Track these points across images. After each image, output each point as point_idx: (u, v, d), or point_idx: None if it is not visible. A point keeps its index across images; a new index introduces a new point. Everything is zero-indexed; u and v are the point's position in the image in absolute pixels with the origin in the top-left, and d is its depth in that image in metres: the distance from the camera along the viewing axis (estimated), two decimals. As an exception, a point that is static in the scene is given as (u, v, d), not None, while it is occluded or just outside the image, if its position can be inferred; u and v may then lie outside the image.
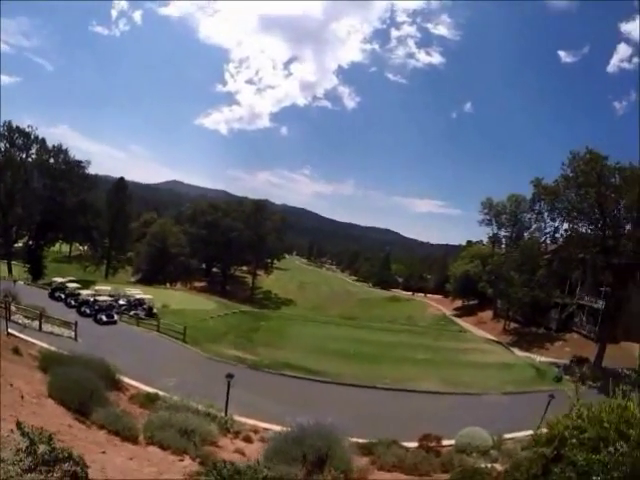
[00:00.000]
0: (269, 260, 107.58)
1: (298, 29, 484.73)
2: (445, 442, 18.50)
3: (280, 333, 47.03)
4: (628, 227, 41.46)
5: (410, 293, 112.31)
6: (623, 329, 50.33)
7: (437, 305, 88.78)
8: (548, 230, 45.66)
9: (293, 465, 10.39)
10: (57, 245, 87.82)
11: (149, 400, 17.62)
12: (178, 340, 34.01)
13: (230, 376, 18.00)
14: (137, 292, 48.15)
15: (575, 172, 40.01)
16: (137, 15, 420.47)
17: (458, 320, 74.05)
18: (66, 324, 30.06)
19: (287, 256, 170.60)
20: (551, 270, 44.70)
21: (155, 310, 43.34)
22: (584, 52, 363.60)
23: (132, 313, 40.52)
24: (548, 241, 46.72)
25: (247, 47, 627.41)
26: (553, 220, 44.01)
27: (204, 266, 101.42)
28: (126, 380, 19.76)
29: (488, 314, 72.32)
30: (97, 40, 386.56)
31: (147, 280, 75.01)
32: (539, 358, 45.85)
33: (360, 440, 17.00)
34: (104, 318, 36.29)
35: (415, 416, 23.57)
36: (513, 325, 63.71)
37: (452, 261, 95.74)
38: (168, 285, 75.92)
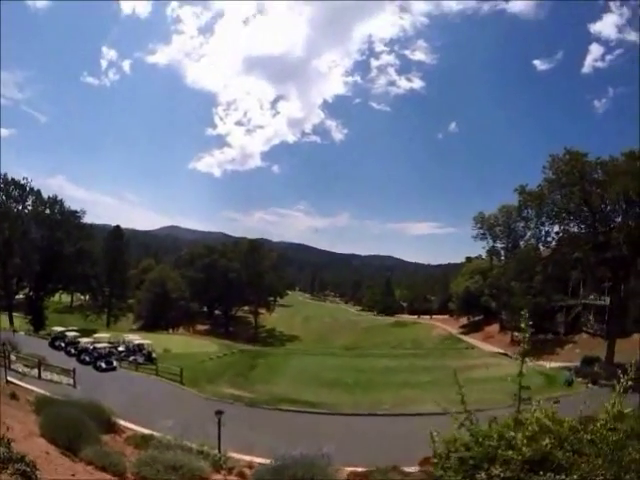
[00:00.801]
0: (271, 298, 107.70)
1: (281, 68, 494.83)
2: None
3: (277, 369, 46.44)
4: (618, 220, 41.37)
5: (415, 316, 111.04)
6: (633, 322, 49.95)
7: (443, 325, 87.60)
8: (539, 235, 45.51)
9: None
10: (58, 296, 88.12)
11: (144, 441, 16.92)
12: (175, 382, 33.99)
13: (220, 412, 18.11)
14: (136, 338, 48.18)
15: (557, 174, 40.25)
16: (126, 64, 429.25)
17: (465, 337, 72.94)
18: (65, 372, 29.94)
19: (290, 292, 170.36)
20: (547, 274, 44.38)
21: (154, 355, 43.23)
22: (558, 58, 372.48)
23: (131, 359, 40.53)
24: (541, 246, 46.59)
25: (233, 89, 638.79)
26: (542, 224, 44.00)
27: (206, 309, 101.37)
28: (123, 423, 19.44)
29: (495, 328, 71.36)
30: (88, 90, 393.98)
31: (149, 326, 75.08)
32: (549, 364, 45.01)
33: (358, 468, 16.79)
34: (103, 365, 36.49)
35: (416, 439, 22.66)
36: (521, 335, 62.82)
37: (453, 279, 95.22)
38: (171, 330, 75.95)
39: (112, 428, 17.66)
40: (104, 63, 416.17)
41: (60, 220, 71.23)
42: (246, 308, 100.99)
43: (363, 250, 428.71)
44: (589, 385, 36.08)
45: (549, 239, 44.64)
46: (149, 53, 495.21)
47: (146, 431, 18.88)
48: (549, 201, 41.61)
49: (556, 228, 43.81)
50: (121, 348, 43.49)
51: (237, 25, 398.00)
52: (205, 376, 37.40)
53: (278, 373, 44.03)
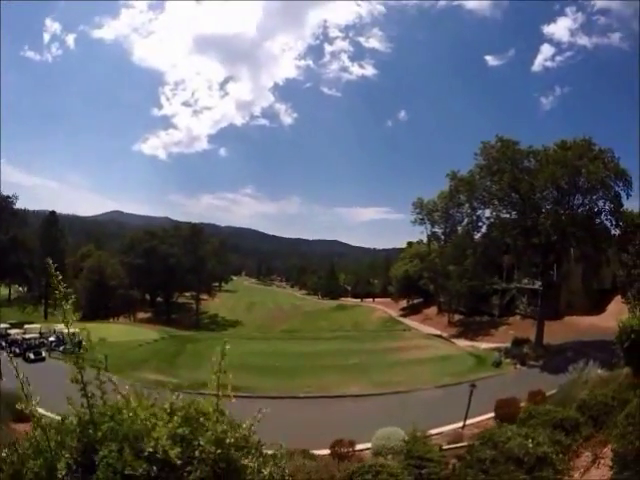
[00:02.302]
0: (215, 283, 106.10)
1: (232, 49, 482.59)
2: (361, 446, 17.94)
3: (205, 354, 45.36)
4: (548, 206, 42.64)
5: (358, 300, 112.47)
6: (566, 305, 52.12)
7: (384, 308, 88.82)
8: (460, 219, 46.54)
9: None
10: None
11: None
12: (101, 370, 33.03)
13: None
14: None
15: (488, 160, 41.03)
16: (70, 38, 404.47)
17: (404, 320, 74.24)
18: None
19: (235, 278, 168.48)
20: (477, 258, 45.35)
21: (85, 343, 41.65)
22: (510, 55, 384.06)
23: (61, 348, 39.43)
24: (473, 231, 47.49)
25: (182, 69, 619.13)
26: (474, 210, 44.76)
27: (148, 296, 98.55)
28: (42, 411, 18.67)
29: (433, 310, 73.12)
30: (29, 66, 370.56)
31: (90, 316, 71.94)
32: (483, 345, 46.31)
33: (267, 451, 16.45)
34: (32, 356, 36.94)
35: (334, 422, 22.97)
36: (458, 317, 64.60)
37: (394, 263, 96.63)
38: (111, 320, 73.12)
39: (28, 417, 17.23)
40: (47, 37, 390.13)
41: None
42: (188, 294, 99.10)
43: (311, 235, 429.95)
44: (517, 366, 37.19)
45: (479, 224, 45.68)
46: (95, 27, 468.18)
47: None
48: (480, 187, 42.42)
49: (487, 213, 44.86)
50: (52, 338, 43.18)
51: (189, 3, 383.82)
52: (131, 362, 37.84)
53: (204, 358, 43.00)
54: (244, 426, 3.00)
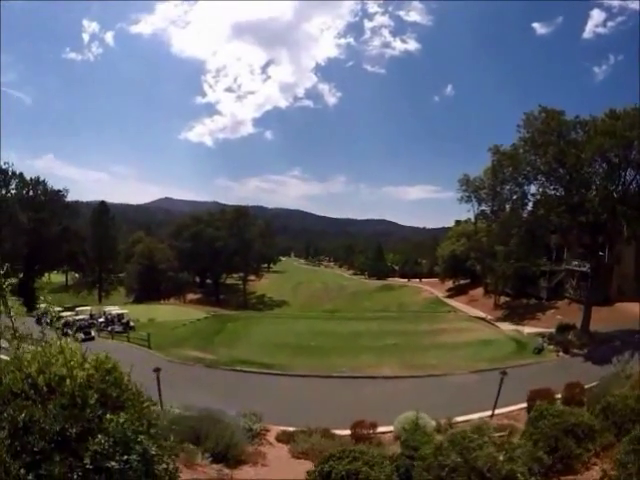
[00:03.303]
0: (263, 264, 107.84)
1: (271, 32, 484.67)
2: (383, 428, 17.45)
3: (243, 332, 47.30)
4: (597, 182, 39.82)
5: (405, 280, 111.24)
6: (617, 290, 49.21)
7: (430, 289, 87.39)
8: (515, 198, 44.02)
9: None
10: (51, 275, 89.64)
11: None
12: (144, 347, 36.09)
13: (157, 370, 18.68)
14: (115, 309, 49.89)
15: (532, 132, 38.65)
16: (109, 36, 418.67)
17: (450, 301, 72.67)
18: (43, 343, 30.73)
19: (283, 258, 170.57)
20: (521, 238, 43.11)
21: (132, 323, 45.06)
22: (558, 22, 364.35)
23: (109, 328, 42.46)
24: (520, 209, 45.06)
25: (222, 56, 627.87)
26: (519, 186, 42.38)
27: (198, 279, 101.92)
28: None
29: (479, 291, 71.06)
30: (72, 66, 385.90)
31: (142, 299, 75.14)
32: (527, 330, 44.43)
33: (290, 428, 17.48)
34: (82, 336, 37.13)
35: (363, 402, 22.60)
36: (504, 299, 62.51)
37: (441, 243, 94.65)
38: (162, 301, 75.76)
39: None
40: (86, 37, 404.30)
41: (44, 201, 72.34)
42: (236, 276, 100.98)
43: (359, 215, 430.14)
44: (560, 353, 35.25)
45: (526, 201, 43.24)
46: (132, 23, 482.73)
47: None
48: (524, 161, 40.09)
49: (533, 189, 42.43)
50: (101, 319, 45.77)
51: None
52: (174, 340, 39.01)
53: (243, 336, 44.96)
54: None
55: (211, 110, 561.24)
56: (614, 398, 11.22)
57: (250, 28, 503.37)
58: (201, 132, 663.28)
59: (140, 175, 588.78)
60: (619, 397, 11.15)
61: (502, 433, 12.48)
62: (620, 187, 38.64)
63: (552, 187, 40.97)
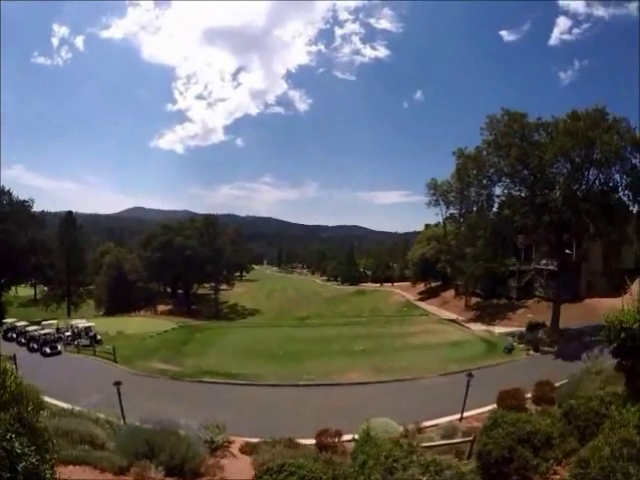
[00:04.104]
0: (235, 273, 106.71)
1: (242, 38, 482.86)
2: (349, 437, 17.12)
3: (211, 342, 46.84)
4: (561, 181, 40.38)
5: (377, 285, 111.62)
6: (586, 286, 50.09)
7: (402, 292, 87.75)
8: (480, 199, 44.49)
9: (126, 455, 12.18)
10: (20, 289, 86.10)
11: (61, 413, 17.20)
12: (110, 360, 35.76)
13: (118, 383, 18.82)
14: (82, 322, 48.82)
15: (495, 135, 39.10)
16: (79, 41, 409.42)
17: (422, 304, 72.85)
18: (10, 359, 29.60)
19: (256, 266, 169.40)
20: (487, 239, 43.52)
21: (99, 337, 44.45)
22: (525, 29, 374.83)
23: (76, 342, 41.69)
24: (486, 210, 45.49)
25: (193, 62, 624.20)
26: (484, 188, 42.82)
27: (169, 289, 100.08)
28: (49, 400, 19.54)
29: (451, 293, 71.61)
30: (41, 71, 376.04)
31: (113, 311, 73.23)
32: (497, 330, 44.78)
33: (253, 439, 17.13)
34: (48, 350, 38.33)
35: (330, 410, 22.21)
36: (475, 300, 63.03)
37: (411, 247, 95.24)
38: (133, 313, 74.00)
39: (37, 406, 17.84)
40: (55, 41, 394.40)
41: (9, 212, 69.70)
42: (208, 286, 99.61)
43: (331, 221, 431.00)
44: (530, 352, 35.56)
45: (492, 203, 43.72)
46: (103, 28, 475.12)
47: (67, 406, 19.17)
48: (488, 163, 40.51)
49: (498, 191, 42.93)
50: (68, 333, 44.92)
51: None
52: (141, 353, 38.68)
53: (211, 347, 44.45)
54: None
55: (182, 117, 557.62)
56: (577, 401, 10.97)
57: (221, 34, 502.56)
58: (172, 140, 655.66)
59: (111, 185, 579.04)
60: (583, 399, 10.89)
61: (468, 438, 12.13)
62: (583, 186, 39.41)
63: (516, 188, 41.62)
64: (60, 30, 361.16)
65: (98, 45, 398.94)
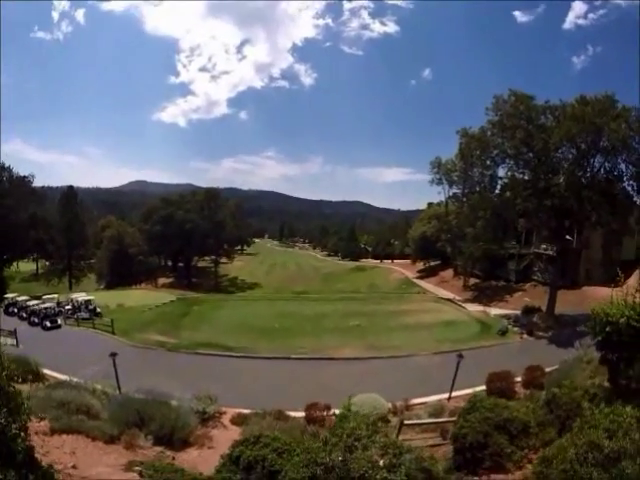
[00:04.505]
0: (236, 246, 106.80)
1: (247, 10, 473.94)
2: (338, 410, 17.51)
3: (208, 315, 47.23)
4: (565, 166, 40.04)
5: (377, 261, 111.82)
6: (585, 274, 50.16)
7: (401, 270, 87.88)
8: (478, 179, 44.26)
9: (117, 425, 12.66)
10: (21, 264, 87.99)
11: (59, 385, 18.01)
12: (108, 333, 36.42)
13: (114, 355, 19.36)
14: (82, 295, 49.39)
15: (500, 116, 38.64)
16: (79, 14, 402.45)
17: (420, 282, 73.12)
18: (11, 334, 31.85)
19: (257, 240, 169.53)
20: (487, 220, 43.35)
21: (98, 310, 45.01)
22: (539, 11, 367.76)
23: (76, 316, 42.30)
24: (489, 191, 45.22)
25: (197, 34, 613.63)
26: (487, 168, 42.49)
27: (170, 263, 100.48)
28: (49, 372, 21.65)
29: (450, 273, 71.79)
30: (41, 46, 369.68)
31: (113, 285, 73.86)
32: (494, 311, 45.04)
33: (244, 411, 17.78)
34: (48, 324, 38.96)
35: (322, 384, 22.60)
36: (474, 281, 63.23)
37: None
38: (134, 286, 74.40)
39: (37, 377, 19.95)
40: (56, 15, 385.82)
41: (9, 188, 69.99)
42: (208, 259, 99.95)
43: (334, 196, 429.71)
44: (524, 336, 35.82)
45: (494, 184, 43.49)
46: (104, 0, 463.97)
47: (65, 377, 19.99)
48: (492, 144, 40.15)
49: (501, 173, 42.65)
50: (68, 307, 45.38)
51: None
52: (139, 325, 39.16)
53: (208, 320, 44.81)
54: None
55: (184, 90, 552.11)
56: (560, 390, 11.03)
57: (226, 6, 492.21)
58: (174, 113, 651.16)
59: (113, 158, 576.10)
60: (566, 389, 10.95)
61: (452, 418, 12.31)
62: (588, 173, 39.13)
63: (520, 171, 41.28)
64: (60, 4, 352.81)
65: (99, 18, 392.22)
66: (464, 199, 61.53)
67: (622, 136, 36.17)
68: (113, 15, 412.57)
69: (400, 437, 13.75)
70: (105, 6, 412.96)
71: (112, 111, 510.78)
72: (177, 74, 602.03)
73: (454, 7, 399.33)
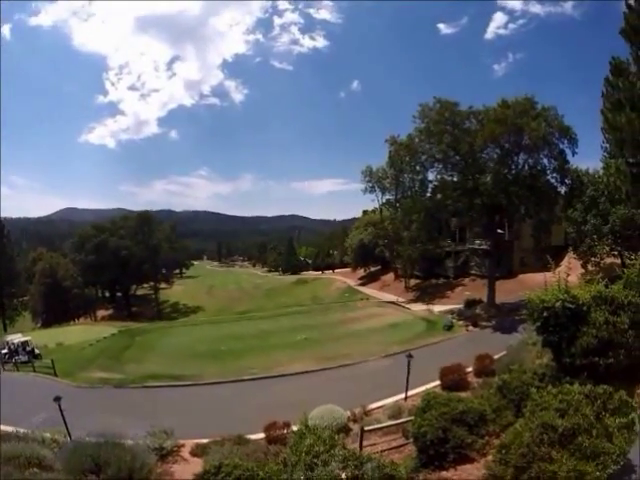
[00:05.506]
0: (174, 270, 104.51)
1: (177, 27, 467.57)
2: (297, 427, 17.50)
3: (152, 345, 45.49)
4: (491, 166, 42.05)
5: (319, 272, 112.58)
6: (520, 263, 52.76)
7: (343, 278, 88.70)
8: (409, 184, 45.95)
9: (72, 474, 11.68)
10: None
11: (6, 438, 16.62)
12: (50, 375, 33.74)
13: (58, 399, 18.18)
14: (18, 337, 45.64)
15: (427, 122, 40.21)
16: (5, 29, 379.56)
17: (363, 288, 74.00)
18: None
19: (196, 262, 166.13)
20: (421, 222, 44.90)
21: (37, 351, 41.70)
22: (462, 23, 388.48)
23: (14, 360, 38.90)
24: (420, 195, 46.88)
25: (126, 51, 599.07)
26: (417, 174, 44.14)
27: (108, 293, 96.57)
28: None
29: (390, 276, 73.24)
30: None
31: (49, 322, 69.11)
32: (437, 308, 46.24)
33: (202, 440, 17.05)
34: None
35: (276, 402, 22.31)
36: (414, 281, 64.82)
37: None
38: (73, 322, 70.30)
39: None
40: None
41: None
42: (147, 286, 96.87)
43: (269, 212, 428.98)
44: (469, 328, 37.02)
45: (425, 188, 45.16)
46: (32, 14, 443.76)
47: (10, 429, 18.55)
48: (420, 150, 41.70)
49: (432, 177, 44.34)
50: (4, 350, 41.74)
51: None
52: (81, 363, 36.72)
53: (152, 350, 43.09)
54: None
55: (113, 110, 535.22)
56: (510, 375, 11.55)
57: (155, 22, 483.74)
58: (103, 134, 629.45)
59: (41, 186, 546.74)
60: (516, 373, 11.49)
61: (411, 418, 12.56)
62: (513, 170, 41.29)
63: (448, 173, 43.10)
64: None
65: (26, 33, 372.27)
66: (397, 204, 63.50)
67: (542, 134, 38.52)
68: (40, 31, 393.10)
69: (364, 443, 13.91)
70: (33, 21, 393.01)
71: (38, 134, 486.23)
72: (105, 93, 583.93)
73: (381, 21, 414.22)
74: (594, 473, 5.94)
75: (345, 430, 17.26)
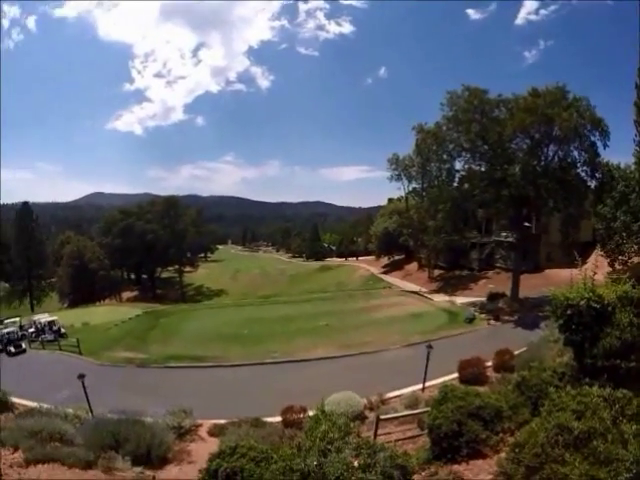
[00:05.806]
0: (199, 254, 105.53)
1: (202, 14, 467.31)
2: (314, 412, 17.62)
3: (176, 327, 46.29)
4: (520, 156, 41.17)
5: (342, 259, 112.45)
6: (546, 258, 51.84)
7: (366, 266, 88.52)
8: (436, 173, 45.29)
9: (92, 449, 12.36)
10: None
11: (29, 413, 17.70)
12: (75, 353, 35.06)
13: (82, 376, 18.67)
14: (44, 316, 47.34)
15: (455, 110, 39.52)
16: (31, 21, 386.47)
17: (386, 277, 73.82)
18: None
19: (221, 247, 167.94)
20: (447, 212, 44.22)
21: (63, 330, 43.13)
22: (491, 9, 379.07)
23: (41, 338, 40.53)
24: (447, 184, 46.17)
25: (151, 39, 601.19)
26: (443, 162, 43.47)
27: (133, 275, 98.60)
28: (18, 401, 20.72)
29: (414, 266, 72.69)
30: None
31: (76, 303, 71.17)
32: (459, 300, 45.84)
33: (220, 421, 17.49)
34: (12, 349, 37.23)
35: (295, 387, 22.55)
36: (438, 272, 64.30)
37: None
38: (98, 302, 72.30)
39: (6, 407, 19.39)
40: (6, 23, 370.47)
41: None
42: (172, 269, 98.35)
43: (294, 198, 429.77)
44: (491, 322, 36.58)
45: (452, 177, 44.43)
46: (56, 6, 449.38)
47: (36, 405, 19.27)
48: (447, 138, 41.05)
49: (459, 166, 43.63)
50: (32, 329, 43.57)
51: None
52: (106, 343, 37.82)
53: (176, 332, 43.87)
54: None
55: (140, 97, 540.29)
56: (529, 372, 11.38)
57: (180, 10, 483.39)
58: (130, 121, 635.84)
59: (68, 171, 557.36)
60: (535, 371, 11.30)
61: (428, 408, 12.52)
62: (542, 162, 40.28)
63: (476, 163, 42.34)
64: (11, 11, 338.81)
65: (51, 25, 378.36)
66: (424, 193, 62.78)
67: (574, 125, 37.44)
68: (65, 22, 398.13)
69: (379, 431, 13.96)
70: (57, 12, 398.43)
71: (66, 122, 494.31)
72: (132, 81, 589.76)
73: (408, 6, 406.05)
74: (606, 479, 5.80)
75: (361, 417, 17.40)
